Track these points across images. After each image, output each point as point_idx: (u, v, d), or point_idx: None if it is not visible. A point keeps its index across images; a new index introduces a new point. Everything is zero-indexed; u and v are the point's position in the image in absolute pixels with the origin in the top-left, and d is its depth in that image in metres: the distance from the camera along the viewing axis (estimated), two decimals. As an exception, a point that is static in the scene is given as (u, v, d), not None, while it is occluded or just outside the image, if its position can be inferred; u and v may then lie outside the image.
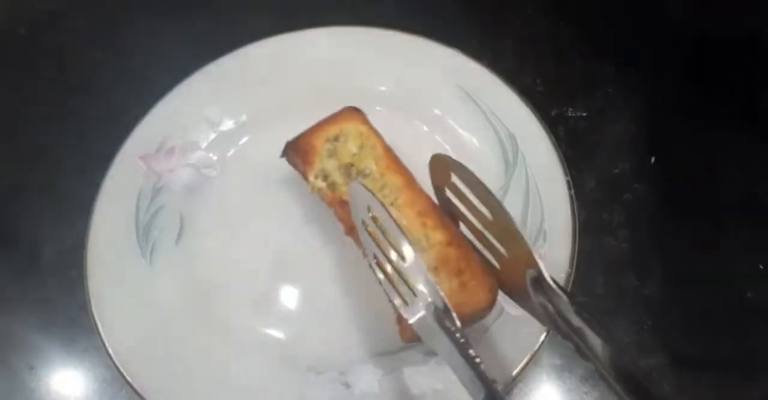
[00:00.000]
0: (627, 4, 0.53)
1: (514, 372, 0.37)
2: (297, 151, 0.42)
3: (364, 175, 0.40)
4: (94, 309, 0.39)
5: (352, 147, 0.41)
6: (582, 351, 0.29)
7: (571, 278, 0.39)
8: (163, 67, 0.50)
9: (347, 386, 0.37)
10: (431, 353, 0.38)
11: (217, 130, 0.47)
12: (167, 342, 0.39)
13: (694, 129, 0.47)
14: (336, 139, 0.42)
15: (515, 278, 0.33)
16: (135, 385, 0.37)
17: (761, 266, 0.42)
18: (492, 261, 0.36)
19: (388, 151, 0.41)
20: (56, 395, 0.40)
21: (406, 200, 0.39)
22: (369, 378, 0.38)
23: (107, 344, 0.38)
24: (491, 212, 0.34)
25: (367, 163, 0.41)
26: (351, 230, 0.39)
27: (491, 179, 0.44)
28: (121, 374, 0.37)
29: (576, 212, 0.41)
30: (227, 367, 0.38)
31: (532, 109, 0.45)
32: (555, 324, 0.31)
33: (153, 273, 0.41)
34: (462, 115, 0.46)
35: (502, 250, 0.34)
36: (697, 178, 0.46)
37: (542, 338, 0.37)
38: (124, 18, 0.55)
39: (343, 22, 0.50)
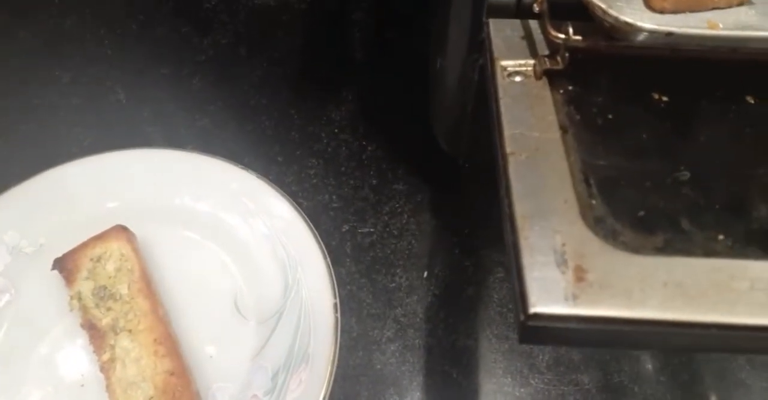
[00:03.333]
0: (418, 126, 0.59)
1: None
2: (62, 268, 0.46)
3: (115, 299, 0.44)
4: None
5: (111, 269, 0.45)
6: None
7: (327, 396, 0.42)
8: None
9: None
10: None
11: (13, 253, 0.49)
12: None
13: (462, 248, 0.53)
14: (99, 259, 0.45)
15: None
16: None
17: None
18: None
19: (144, 273, 0.45)
20: None
21: (147, 326, 0.43)
22: None
23: None
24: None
25: (120, 286, 0.44)
26: (96, 351, 0.43)
27: (272, 301, 0.48)
28: None
29: (338, 337, 0.44)
30: None
31: (315, 235, 0.49)
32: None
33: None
34: (248, 235, 0.50)
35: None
36: (460, 293, 0.51)
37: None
38: None
39: (164, 141, 0.55)
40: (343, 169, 0.56)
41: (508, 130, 0.34)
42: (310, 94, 0.60)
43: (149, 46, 0.63)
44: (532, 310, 0.26)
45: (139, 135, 0.57)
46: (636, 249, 0.29)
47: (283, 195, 0.51)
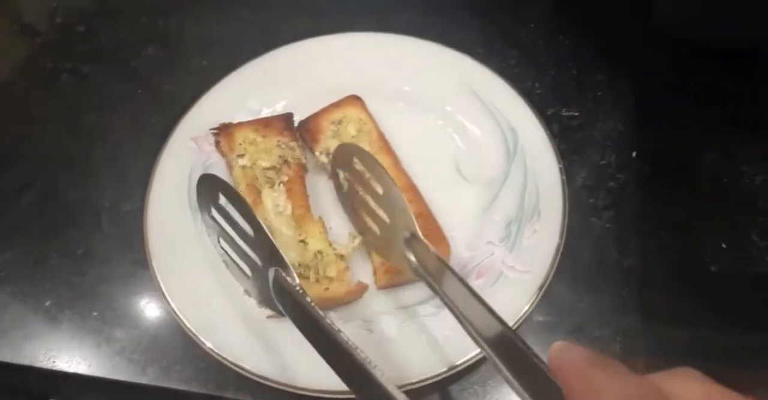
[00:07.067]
0: (617, 18, 0.61)
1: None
2: (307, 130, 0.50)
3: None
4: (153, 263, 0.46)
5: (352, 130, 0.50)
6: (441, 297, 0.36)
7: (560, 250, 0.45)
8: (209, 59, 0.60)
9: (370, 331, 0.44)
10: (441, 306, 0.44)
11: (257, 116, 0.54)
12: (215, 290, 0.45)
13: (672, 128, 0.54)
14: (339, 122, 0.50)
15: (393, 239, 0.40)
16: (188, 325, 0.43)
17: (724, 245, 0.49)
18: (374, 227, 0.43)
19: (381, 135, 0.50)
20: (118, 336, 0.47)
21: (392, 176, 0.46)
22: (388, 326, 0.44)
23: (165, 291, 0.45)
24: (383, 187, 0.41)
25: (363, 144, 0.48)
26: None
27: (494, 166, 0.51)
28: (177, 316, 0.44)
29: (566, 195, 0.47)
30: (263, 310, 0.43)
31: (531, 107, 0.52)
32: (420, 274, 0.38)
33: (203, 233, 0.48)
34: (470, 112, 0.53)
35: (386, 217, 0.41)
36: (673, 169, 0.52)
37: (535, 297, 0.44)
38: (179, 15, 0.64)
39: (369, 29, 0.58)
40: (542, 58, 0.59)
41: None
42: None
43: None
44: None
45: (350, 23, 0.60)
46: None
47: (498, 75, 0.54)
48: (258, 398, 0.43)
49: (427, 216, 0.46)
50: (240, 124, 0.51)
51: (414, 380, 0.40)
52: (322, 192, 0.51)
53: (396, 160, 0.49)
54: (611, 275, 0.47)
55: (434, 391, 0.43)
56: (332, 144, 0.49)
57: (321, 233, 0.46)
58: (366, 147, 0.49)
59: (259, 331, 0.43)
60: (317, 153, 0.50)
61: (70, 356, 0.47)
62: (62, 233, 0.52)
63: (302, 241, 0.45)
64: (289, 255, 0.44)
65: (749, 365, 0.44)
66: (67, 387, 0.48)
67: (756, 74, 0.55)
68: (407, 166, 0.50)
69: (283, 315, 0.38)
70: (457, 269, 0.45)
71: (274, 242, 0.39)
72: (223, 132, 0.50)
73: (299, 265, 0.44)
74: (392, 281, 0.45)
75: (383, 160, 0.48)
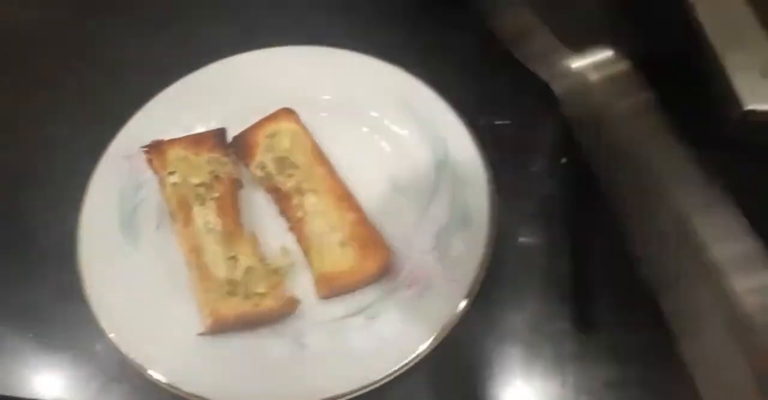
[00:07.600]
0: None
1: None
2: (241, 145, 0.51)
3: (295, 167, 0.49)
4: (86, 284, 0.46)
5: (286, 143, 0.50)
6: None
7: (489, 258, 0.46)
8: (142, 77, 0.59)
9: (303, 346, 0.44)
10: (371, 318, 0.45)
11: (189, 133, 0.54)
12: (149, 309, 0.45)
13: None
14: (273, 135, 0.50)
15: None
16: (120, 346, 0.43)
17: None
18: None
19: (316, 146, 0.51)
20: (55, 357, 0.47)
21: (328, 187, 0.48)
22: (321, 339, 0.45)
23: (96, 313, 0.45)
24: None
25: (298, 156, 0.49)
26: (283, 212, 0.49)
27: (425, 176, 0.51)
28: (109, 337, 0.44)
29: (495, 203, 0.48)
30: (197, 328, 0.44)
31: (459, 116, 0.53)
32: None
33: (137, 254, 0.48)
34: (401, 123, 0.53)
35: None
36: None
37: (465, 306, 0.45)
38: (110, 33, 0.64)
39: (303, 43, 0.58)
40: (476, 68, 0.60)
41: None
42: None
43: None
44: (748, 107, 0.29)
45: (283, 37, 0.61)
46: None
47: (427, 85, 0.55)
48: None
49: (366, 224, 0.47)
50: (171, 141, 0.51)
51: (347, 391, 0.41)
52: (257, 207, 0.51)
53: (332, 170, 0.50)
54: (541, 282, 0.49)
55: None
56: (267, 158, 0.50)
57: (253, 249, 0.46)
58: (301, 158, 0.50)
59: (193, 349, 0.44)
60: (252, 167, 0.50)
61: (6, 379, 0.47)
62: (-5, 255, 0.52)
63: (233, 257, 0.45)
64: (219, 272, 0.44)
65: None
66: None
67: (679, 80, 0.57)
68: (343, 176, 0.51)
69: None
70: (391, 277, 0.46)
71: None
72: (155, 150, 0.50)
73: (228, 282, 0.44)
74: (333, 290, 0.46)
75: (319, 170, 0.49)
